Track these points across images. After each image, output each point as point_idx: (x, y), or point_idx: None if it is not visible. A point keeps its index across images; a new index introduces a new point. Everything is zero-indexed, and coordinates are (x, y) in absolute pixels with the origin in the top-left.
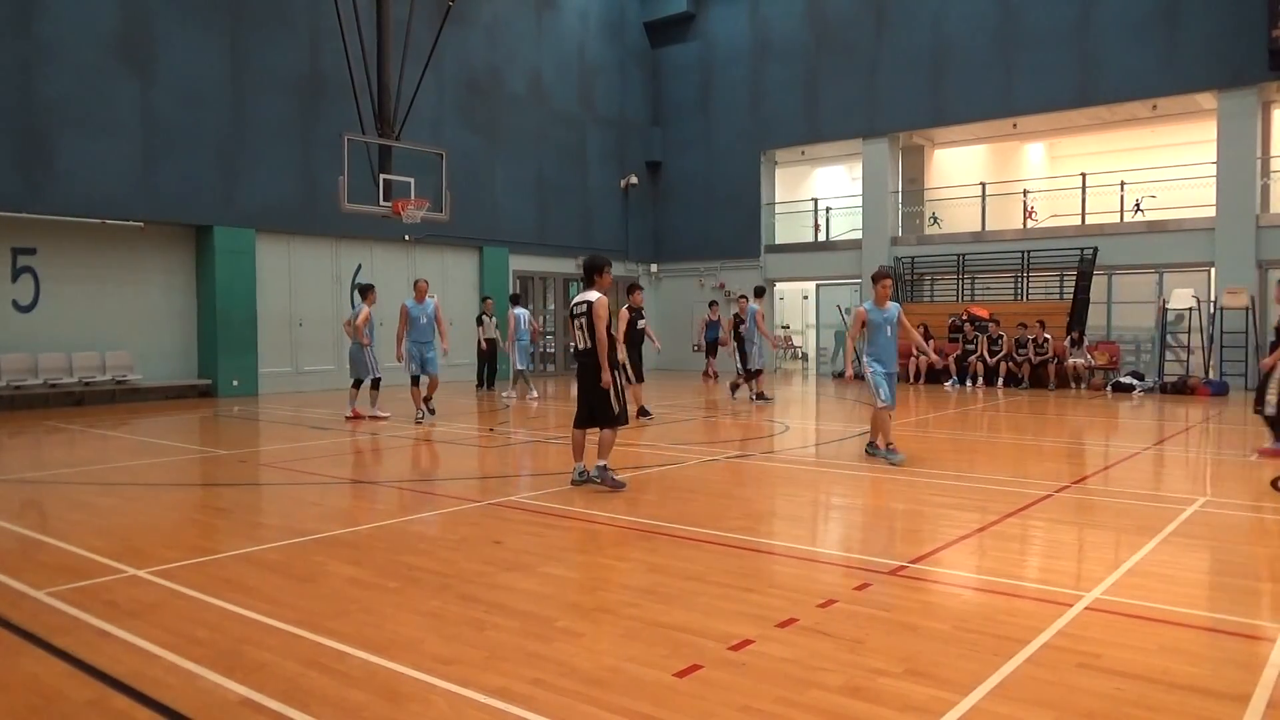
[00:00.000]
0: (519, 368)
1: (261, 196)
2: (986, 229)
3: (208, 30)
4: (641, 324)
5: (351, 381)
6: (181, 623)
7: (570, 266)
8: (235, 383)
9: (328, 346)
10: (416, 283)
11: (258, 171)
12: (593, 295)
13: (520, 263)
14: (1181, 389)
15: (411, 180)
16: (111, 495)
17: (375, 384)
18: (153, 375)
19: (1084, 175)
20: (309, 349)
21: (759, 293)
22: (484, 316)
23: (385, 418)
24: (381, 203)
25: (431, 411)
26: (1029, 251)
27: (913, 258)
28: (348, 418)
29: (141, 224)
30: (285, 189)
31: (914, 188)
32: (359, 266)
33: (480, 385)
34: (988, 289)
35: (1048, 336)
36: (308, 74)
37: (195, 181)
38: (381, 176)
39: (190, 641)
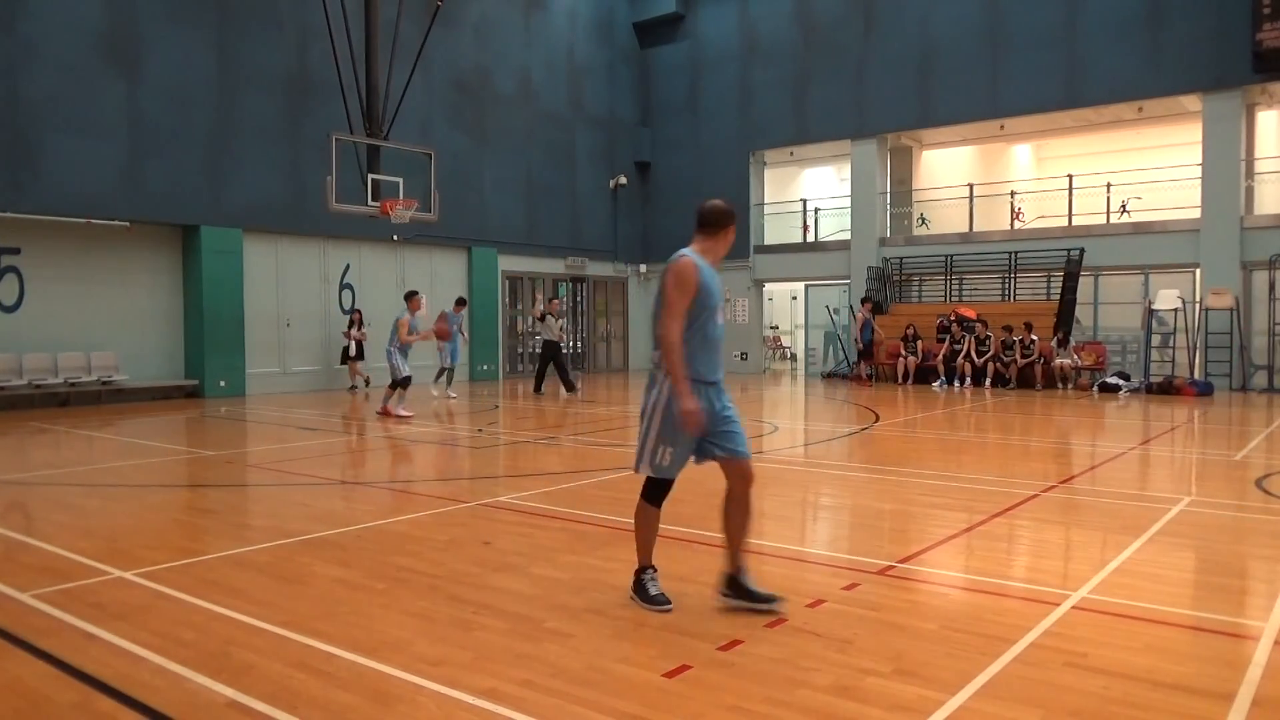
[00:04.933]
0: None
1: (249, 196)
2: (974, 230)
3: (194, 29)
4: None
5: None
6: (168, 625)
7: (559, 267)
8: (222, 383)
9: (315, 347)
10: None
11: (245, 171)
12: None
13: (509, 263)
14: (1167, 389)
15: (400, 180)
16: (97, 496)
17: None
18: (139, 376)
19: (1071, 177)
20: (297, 349)
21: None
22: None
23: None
24: (370, 203)
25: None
26: (1016, 252)
27: (901, 259)
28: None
29: (127, 224)
30: (273, 189)
31: (902, 189)
32: (347, 267)
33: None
34: (975, 289)
35: (1035, 337)
36: (295, 73)
37: (182, 181)
38: (370, 176)
39: (177, 643)
